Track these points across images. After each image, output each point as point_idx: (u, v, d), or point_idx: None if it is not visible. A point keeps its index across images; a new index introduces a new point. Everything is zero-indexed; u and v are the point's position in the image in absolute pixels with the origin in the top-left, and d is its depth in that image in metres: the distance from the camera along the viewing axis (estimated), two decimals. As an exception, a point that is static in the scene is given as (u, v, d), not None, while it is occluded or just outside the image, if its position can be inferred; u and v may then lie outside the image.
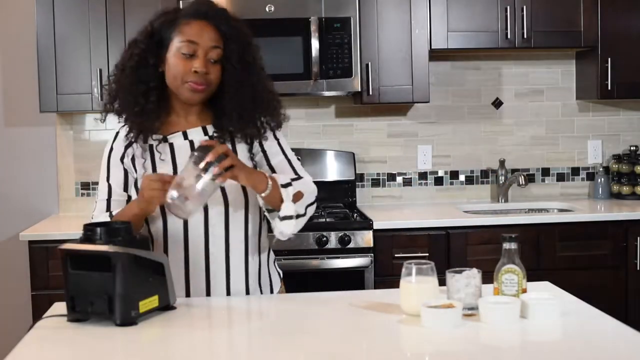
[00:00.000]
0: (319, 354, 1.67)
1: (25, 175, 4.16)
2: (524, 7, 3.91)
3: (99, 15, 3.75)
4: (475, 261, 3.27)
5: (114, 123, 2.17)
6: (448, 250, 3.64)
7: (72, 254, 1.82)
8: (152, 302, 1.85)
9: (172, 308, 1.93)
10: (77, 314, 1.83)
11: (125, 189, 2.15)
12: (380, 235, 3.60)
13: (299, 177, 2.17)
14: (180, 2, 3.71)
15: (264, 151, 2.18)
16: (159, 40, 2.10)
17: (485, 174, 4.33)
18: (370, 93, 3.84)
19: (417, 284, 1.84)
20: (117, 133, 2.17)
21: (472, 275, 1.85)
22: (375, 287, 3.48)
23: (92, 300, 1.79)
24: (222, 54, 2.09)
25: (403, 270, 1.87)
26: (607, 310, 1.88)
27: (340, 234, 3.54)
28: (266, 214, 2.16)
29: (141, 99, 2.08)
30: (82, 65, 3.76)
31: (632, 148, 4.26)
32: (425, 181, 4.30)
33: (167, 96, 2.14)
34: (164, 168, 2.10)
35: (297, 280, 3.05)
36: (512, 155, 4.33)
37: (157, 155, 2.12)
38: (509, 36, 3.92)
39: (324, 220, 3.63)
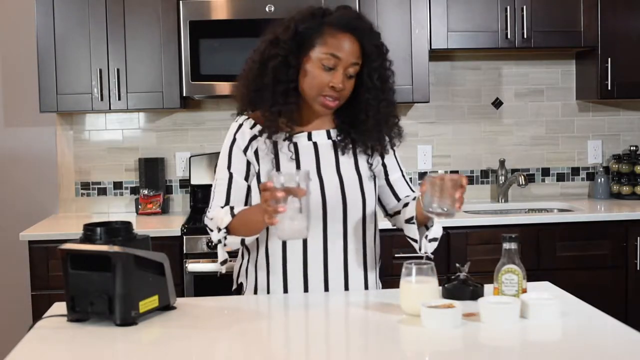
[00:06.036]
0: (319, 354, 1.67)
1: (25, 175, 4.16)
2: (524, 7, 3.91)
3: (99, 15, 3.75)
4: (475, 261, 3.26)
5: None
6: (448, 250, 3.64)
7: (72, 254, 1.82)
8: (152, 302, 1.86)
9: (172, 308, 1.94)
10: (77, 314, 1.83)
11: (246, 178, 2.15)
12: (381, 235, 3.58)
13: (413, 192, 2.28)
14: (181, 1, 3.71)
15: (384, 164, 2.27)
16: (301, 42, 2.07)
17: (485, 174, 4.32)
18: (370, 93, 3.83)
19: (417, 284, 1.85)
20: (240, 125, 2.16)
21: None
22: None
23: (92, 300, 1.79)
24: (360, 69, 2.09)
25: (403, 270, 1.88)
26: (607, 310, 1.88)
27: (340, 234, 3.53)
28: (408, 234, 2.20)
29: (280, 98, 2.07)
30: (82, 65, 3.76)
31: (632, 148, 4.26)
32: (425, 181, 4.29)
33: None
34: (288, 166, 2.11)
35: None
36: (512, 155, 4.33)
37: (280, 153, 2.12)
38: (509, 36, 3.92)
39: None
